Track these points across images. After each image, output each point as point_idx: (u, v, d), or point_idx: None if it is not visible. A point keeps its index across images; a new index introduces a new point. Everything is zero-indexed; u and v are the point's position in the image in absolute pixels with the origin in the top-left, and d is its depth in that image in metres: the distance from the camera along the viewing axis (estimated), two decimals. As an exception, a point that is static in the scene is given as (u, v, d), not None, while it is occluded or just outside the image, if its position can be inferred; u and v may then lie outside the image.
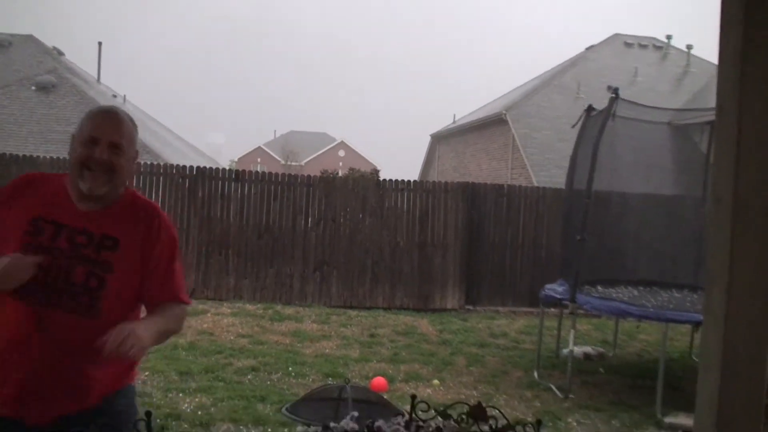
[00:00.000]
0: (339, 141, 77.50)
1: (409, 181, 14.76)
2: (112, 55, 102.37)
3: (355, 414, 2.73)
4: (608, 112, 9.25)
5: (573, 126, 10.51)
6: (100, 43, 33.92)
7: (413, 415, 3.77)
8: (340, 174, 20.36)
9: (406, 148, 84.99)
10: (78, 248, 2.77)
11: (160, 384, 8.25)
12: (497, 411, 3.78)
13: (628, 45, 30.12)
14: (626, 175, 10.68)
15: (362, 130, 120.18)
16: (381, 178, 15.41)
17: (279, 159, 68.66)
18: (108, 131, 2.87)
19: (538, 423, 3.69)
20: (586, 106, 10.57)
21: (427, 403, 3.85)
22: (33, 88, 25.32)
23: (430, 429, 2.72)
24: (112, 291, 2.79)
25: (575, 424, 7.82)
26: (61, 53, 32.70)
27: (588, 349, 11.06)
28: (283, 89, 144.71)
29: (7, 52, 30.86)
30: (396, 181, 14.62)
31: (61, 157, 14.51)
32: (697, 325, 8.78)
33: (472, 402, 3.89)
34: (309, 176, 14.90)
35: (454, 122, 35.33)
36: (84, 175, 2.80)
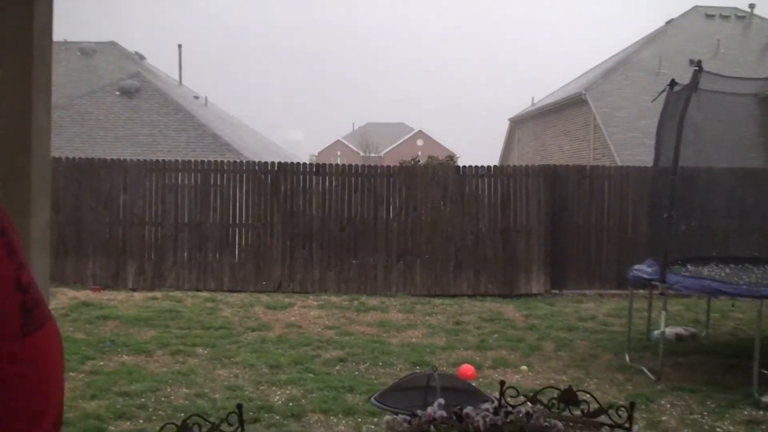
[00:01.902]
0: (417, 130, 77.47)
1: (489, 166, 14.66)
2: (193, 57, 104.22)
3: (442, 401, 2.73)
4: (692, 86, 9.00)
5: (653, 101, 10.26)
6: (180, 46, 34.61)
7: (502, 401, 3.75)
8: (420, 162, 20.35)
9: (485, 133, 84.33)
10: None
11: (252, 377, 8.39)
12: (588, 395, 3.74)
13: (709, 16, 29.25)
14: (713, 149, 10.40)
15: (440, 119, 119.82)
16: (461, 165, 15.33)
17: (358, 151, 69.07)
18: None
19: (632, 405, 3.64)
20: (668, 81, 10.30)
21: (516, 389, 3.83)
22: (117, 93, 25.99)
23: (520, 414, 2.70)
24: None
25: (669, 406, 7.66)
26: (142, 57, 33.50)
27: (679, 329, 10.82)
28: (360, 81, 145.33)
29: (91, 60, 31.77)
30: (476, 167, 14.53)
31: (148, 159, 14.89)
32: (793, 301, 8.51)
33: (562, 387, 3.85)
34: (389, 166, 14.93)
35: (532, 105, 34.93)
36: None
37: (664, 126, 9.99)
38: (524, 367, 9.08)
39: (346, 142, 75.65)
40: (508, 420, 2.66)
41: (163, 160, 14.74)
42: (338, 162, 16.12)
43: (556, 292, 14.31)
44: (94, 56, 32.01)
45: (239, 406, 3.21)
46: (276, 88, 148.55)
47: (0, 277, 1.67)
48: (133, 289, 13.78)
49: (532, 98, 36.17)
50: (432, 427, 2.59)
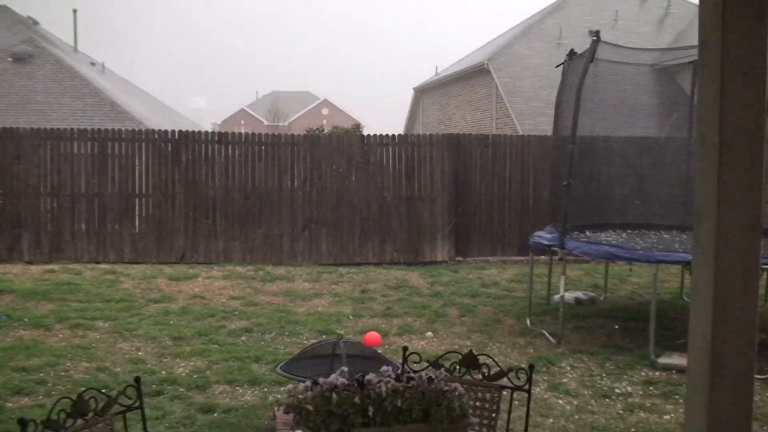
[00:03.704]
0: (322, 99, 76.98)
1: (393, 135, 14.67)
2: (88, 23, 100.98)
3: (345, 369, 2.72)
4: (590, 56, 9.18)
5: (557, 66, 10.42)
6: (75, 11, 33.40)
7: (405, 367, 3.77)
8: (325, 131, 20.27)
9: (390, 103, 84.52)
10: None
11: (154, 350, 8.26)
12: (489, 359, 3.80)
13: (608, -12, 29.80)
14: (611, 119, 10.65)
15: (345, 88, 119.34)
16: (366, 134, 15.29)
17: (263, 120, 68.26)
18: None
19: (531, 368, 3.71)
20: (568, 51, 10.47)
21: (419, 355, 3.86)
22: (9, 59, 24.95)
23: (422, 379, 2.71)
24: None
25: (569, 368, 7.87)
26: (36, 22, 32.16)
27: (579, 294, 11.11)
28: (264, 50, 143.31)
29: (-20, 24, 30.37)
30: (381, 136, 14.52)
31: (42, 127, 14.36)
32: (687, 265, 8.83)
33: (465, 352, 3.90)
34: (293, 135, 14.79)
35: (436, 74, 35.09)
36: None
37: (563, 95, 10.17)
38: (429, 334, 9.19)
39: (250, 111, 74.64)
40: (409, 385, 2.67)
41: (58, 129, 14.24)
42: (242, 131, 15.84)
43: (461, 259, 14.50)
44: (-16, 21, 30.62)
45: (137, 379, 3.15)
46: (178, 55, 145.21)
47: None
48: (30, 262, 13.34)
49: (436, 68, 36.34)
50: (334, 395, 2.58)
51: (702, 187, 2.36)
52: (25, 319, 9.33)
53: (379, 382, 2.63)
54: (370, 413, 2.58)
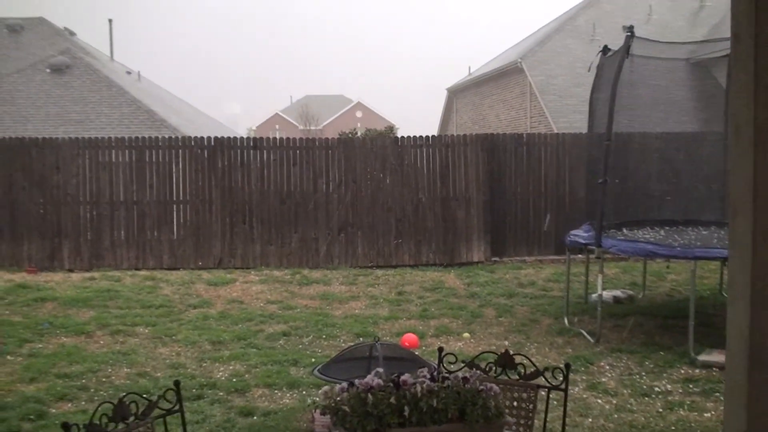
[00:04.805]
0: (356, 102, 77.26)
1: (427, 136, 14.66)
2: (124, 32, 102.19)
3: (380, 370, 2.73)
4: (624, 52, 9.10)
5: (588, 70, 10.35)
6: (110, 21, 33.89)
7: (441, 367, 3.78)
8: (359, 134, 20.31)
9: (424, 104, 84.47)
10: None
11: (194, 354, 8.33)
12: (526, 358, 3.79)
13: (641, -18, 29.51)
14: (646, 114, 10.55)
15: (379, 90, 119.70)
16: (399, 135, 15.30)
17: (297, 124, 68.67)
18: None
19: (567, 367, 3.70)
20: (601, 47, 10.40)
21: (454, 355, 3.86)
22: (47, 70, 25.33)
23: (457, 379, 2.71)
24: None
25: (608, 367, 7.81)
26: (72, 33, 32.66)
27: (617, 292, 11.02)
28: (297, 54, 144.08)
29: (19, 37, 30.89)
30: (414, 137, 14.52)
31: (80, 137, 14.56)
32: (725, 260, 8.71)
33: (501, 352, 3.89)
34: (327, 139, 14.83)
35: (469, 74, 35.02)
36: None
37: (597, 92, 10.10)
38: (466, 335, 9.17)
39: (284, 116, 75.13)
40: (444, 385, 2.68)
41: (96, 138, 14.44)
42: (277, 136, 15.95)
43: (497, 259, 14.45)
44: (22, 33, 31.13)
45: (177, 383, 3.19)
46: (212, 62, 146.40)
47: None
48: (70, 270, 13.54)
49: (469, 67, 36.29)
50: (369, 396, 2.59)
51: (737, 181, 2.34)
52: (67, 326, 9.47)
53: (414, 382, 2.64)
54: (406, 413, 2.59)
